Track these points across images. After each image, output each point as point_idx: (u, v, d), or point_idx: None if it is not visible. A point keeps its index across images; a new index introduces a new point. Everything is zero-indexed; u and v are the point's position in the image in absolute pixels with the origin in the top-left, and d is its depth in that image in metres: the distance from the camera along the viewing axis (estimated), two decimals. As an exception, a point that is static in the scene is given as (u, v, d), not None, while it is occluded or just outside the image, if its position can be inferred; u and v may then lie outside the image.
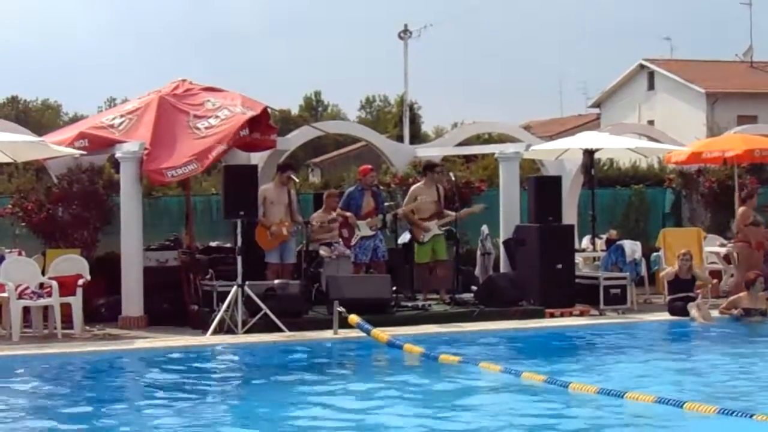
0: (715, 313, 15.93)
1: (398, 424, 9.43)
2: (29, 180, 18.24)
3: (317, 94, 77.17)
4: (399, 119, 50.65)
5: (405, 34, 26.71)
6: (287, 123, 28.99)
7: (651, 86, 51.81)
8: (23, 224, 17.45)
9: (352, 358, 13.58)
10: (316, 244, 16.74)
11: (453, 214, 16.91)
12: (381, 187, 17.82)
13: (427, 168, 17.40)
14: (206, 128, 15.77)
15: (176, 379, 11.87)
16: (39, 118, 60.95)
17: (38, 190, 17.48)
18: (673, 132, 25.36)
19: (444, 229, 16.96)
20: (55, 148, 15.42)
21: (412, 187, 17.40)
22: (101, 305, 16.07)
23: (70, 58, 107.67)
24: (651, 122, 44.45)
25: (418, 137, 44.17)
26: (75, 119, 55.98)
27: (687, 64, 51.08)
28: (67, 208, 17.18)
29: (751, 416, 8.93)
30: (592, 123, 51.35)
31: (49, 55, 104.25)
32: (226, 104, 16.23)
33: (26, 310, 14.78)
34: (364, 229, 16.51)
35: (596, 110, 56.48)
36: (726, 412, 9.09)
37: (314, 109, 74.90)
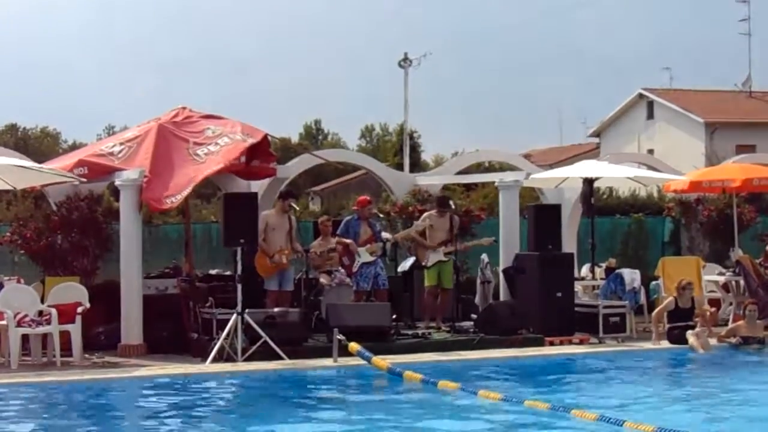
0: (713, 341, 15.91)
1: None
2: (28, 207, 18.24)
3: (317, 122, 77.45)
4: (399, 148, 50.78)
5: (405, 62, 26.81)
6: (287, 151, 29.03)
7: (650, 115, 51.93)
8: (22, 252, 17.43)
9: (352, 386, 13.55)
10: (315, 272, 16.74)
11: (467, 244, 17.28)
12: (381, 215, 17.82)
13: (441, 203, 17.46)
14: (206, 155, 15.79)
15: (176, 407, 11.84)
16: (38, 146, 61.00)
17: (37, 217, 17.47)
18: (672, 161, 25.42)
19: (449, 256, 16.95)
20: (54, 173, 15.41)
21: (427, 213, 17.54)
22: (100, 333, 16.02)
23: (69, 86, 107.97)
24: (650, 151, 44.53)
25: (418, 166, 44.30)
26: (74, 147, 55.99)
27: (686, 94, 51.22)
28: (66, 235, 17.16)
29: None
30: (592, 152, 51.44)
31: (49, 83, 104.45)
32: (226, 132, 16.24)
33: (25, 337, 14.72)
34: (364, 255, 16.53)
35: (596, 139, 56.58)
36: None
37: (314, 137, 75.08)
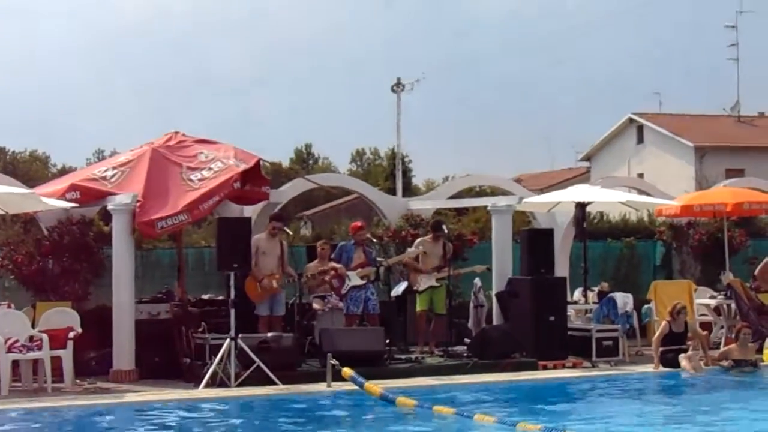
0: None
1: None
2: (17, 232, 18.17)
3: (308, 146, 77.37)
4: (390, 172, 50.86)
5: (398, 87, 26.84)
6: (278, 175, 28.97)
7: (640, 140, 52.11)
8: (13, 277, 17.38)
9: (346, 411, 13.51)
10: (309, 296, 16.73)
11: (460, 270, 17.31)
12: (374, 240, 17.81)
13: (435, 228, 17.46)
14: (199, 180, 15.78)
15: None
16: (27, 170, 60.82)
17: (28, 242, 17.42)
18: (662, 185, 25.47)
19: (441, 281, 16.93)
20: (47, 201, 15.39)
21: (420, 239, 17.54)
22: (92, 358, 15.96)
23: (58, 110, 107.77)
24: (640, 175, 44.64)
25: (409, 190, 44.32)
26: (63, 171, 55.94)
27: (675, 118, 51.44)
28: (57, 260, 17.11)
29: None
30: (582, 176, 51.59)
31: (37, 107, 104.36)
32: (219, 156, 16.26)
33: (16, 363, 14.66)
34: (354, 278, 16.50)
35: (586, 164, 56.74)
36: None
37: (305, 161, 75.02)
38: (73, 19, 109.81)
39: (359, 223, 17.33)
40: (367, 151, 78.67)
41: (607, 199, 19.37)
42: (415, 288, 17.05)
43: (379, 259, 17.04)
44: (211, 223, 25.60)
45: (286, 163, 61.92)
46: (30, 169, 62.63)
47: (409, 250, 17.52)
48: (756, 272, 19.08)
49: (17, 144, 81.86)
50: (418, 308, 17.15)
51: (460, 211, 25.92)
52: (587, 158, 56.33)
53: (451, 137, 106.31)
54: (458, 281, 18.36)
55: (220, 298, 17.22)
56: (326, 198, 47.60)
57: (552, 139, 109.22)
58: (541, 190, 33.04)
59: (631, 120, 52.73)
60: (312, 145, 77.30)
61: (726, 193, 20.78)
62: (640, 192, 22.67)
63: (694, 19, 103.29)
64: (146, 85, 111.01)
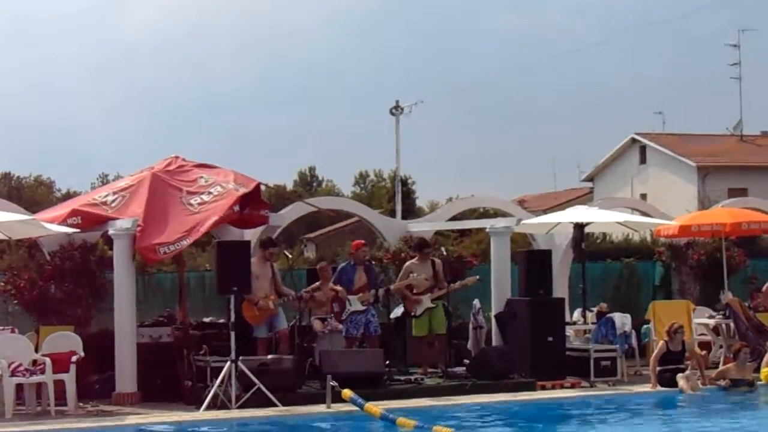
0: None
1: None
2: (21, 257, 18.32)
3: (312, 169, 77.61)
4: (393, 194, 50.99)
5: (396, 110, 26.98)
6: (281, 198, 29.16)
7: (643, 160, 52.23)
8: (16, 302, 17.53)
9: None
10: (309, 318, 16.86)
11: (454, 285, 17.12)
12: (374, 262, 17.93)
13: (420, 246, 17.55)
14: (199, 204, 15.92)
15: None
16: (32, 195, 61.04)
17: (31, 267, 17.57)
18: (665, 205, 25.61)
19: (436, 302, 17.01)
20: (48, 226, 15.54)
21: (407, 264, 17.51)
22: (94, 382, 16.08)
23: (63, 135, 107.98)
24: (643, 195, 44.82)
25: (412, 212, 44.49)
26: (68, 195, 56.07)
27: (678, 138, 51.57)
28: (59, 284, 17.26)
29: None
30: (586, 197, 51.71)
31: (42, 132, 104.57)
32: (219, 181, 16.40)
33: (19, 387, 14.79)
34: (355, 303, 16.57)
35: (589, 184, 56.85)
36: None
37: (309, 184, 75.26)
38: (76, 40, 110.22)
39: (362, 242, 17.42)
40: (370, 173, 78.90)
41: (604, 219, 19.48)
42: (412, 314, 17.09)
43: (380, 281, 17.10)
44: (213, 247, 25.76)
45: (290, 186, 62.17)
46: (35, 194, 62.85)
47: (400, 276, 17.51)
48: (764, 288, 19.07)
49: (22, 169, 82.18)
50: (414, 334, 17.09)
51: (462, 233, 26.04)
52: (590, 179, 56.46)
53: (454, 158, 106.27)
54: (457, 302, 18.41)
55: (221, 321, 17.35)
56: (330, 221, 47.71)
57: (556, 159, 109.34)
58: (545, 211, 33.16)
59: (633, 140, 52.85)
60: (315, 167, 77.59)
61: (724, 214, 20.87)
62: (640, 213, 22.78)
63: (696, 38, 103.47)
64: (150, 108, 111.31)
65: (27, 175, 71.75)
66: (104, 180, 67.19)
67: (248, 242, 16.43)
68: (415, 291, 17.01)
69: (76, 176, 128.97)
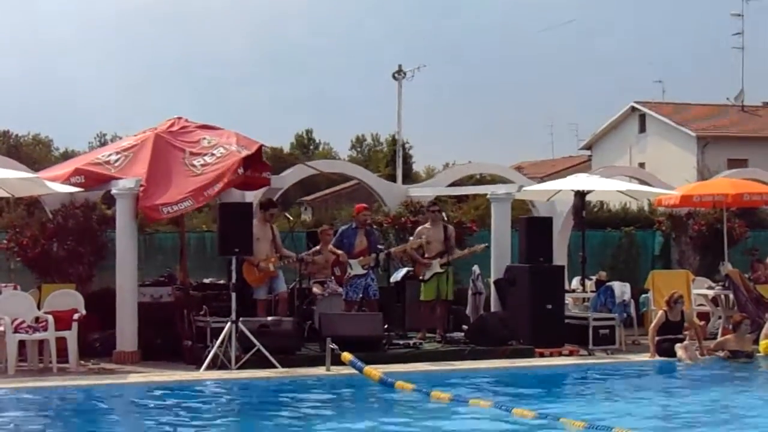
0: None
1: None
2: (20, 215, 18.34)
3: (309, 132, 77.52)
4: (390, 158, 50.93)
5: (399, 74, 26.87)
6: (278, 161, 29.07)
7: (642, 129, 52.08)
8: (18, 259, 17.55)
9: (345, 395, 13.68)
10: (309, 281, 16.90)
11: (462, 252, 17.22)
12: (374, 226, 17.95)
13: (430, 205, 17.60)
14: (202, 165, 15.92)
15: (171, 413, 11.95)
16: (30, 153, 60.88)
17: (33, 225, 17.59)
18: (664, 174, 25.58)
19: (445, 267, 17.01)
20: (51, 185, 15.54)
21: (419, 228, 17.53)
22: (95, 340, 16.16)
23: (62, 94, 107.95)
24: (642, 165, 44.72)
25: (409, 177, 44.40)
26: (66, 154, 56.01)
27: (678, 107, 51.41)
28: (61, 243, 17.29)
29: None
30: (583, 165, 51.65)
31: (41, 91, 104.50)
32: (221, 142, 16.39)
33: (22, 343, 14.87)
34: (355, 267, 16.60)
35: (587, 152, 56.76)
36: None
37: (305, 147, 75.18)
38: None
39: (364, 205, 17.44)
40: (368, 137, 78.83)
41: (606, 188, 19.51)
42: (420, 277, 17.11)
43: (380, 246, 17.14)
44: (211, 208, 25.74)
45: (287, 149, 62.07)
46: (33, 152, 62.72)
47: (410, 239, 17.58)
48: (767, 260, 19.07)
49: (20, 127, 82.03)
50: (423, 297, 17.10)
51: (460, 199, 26.06)
52: (588, 147, 56.33)
53: (452, 124, 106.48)
54: (458, 267, 18.45)
55: (221, 282, 17.42)
56: (327, 184, 47.75)
57: (554, 127, 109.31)
58: (542, 178, 33.18)
59: (633, 108, 52.69)
60: (312, 131, 77.50)
61: (726, 184, 20.86)
62: (640, 181, 22.78)
63: (700, 6, 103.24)
64: (149, 71, 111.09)
65: (25, 133, 71.67)
66: (102, 139, 67.25)
67: (250, 204, 16.46)
68: (426, 255, 17.03)
69: (74, 136, 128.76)
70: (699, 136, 48.04)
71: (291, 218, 16.78)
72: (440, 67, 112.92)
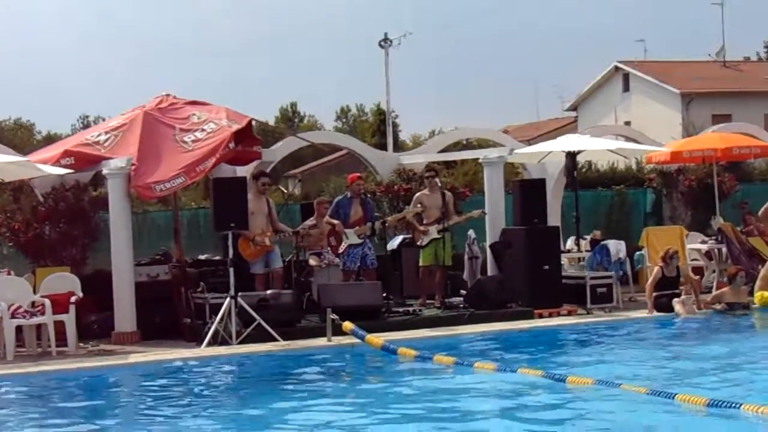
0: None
1: (397, 428, 9.55)
2: (6, 200, 18.25)
3: (293, 105, 77.25)
4: (377, 128, 50.86)
5: (385, 42, 26.81)
6: (264, 135, 29.00)
7: (626, 88, 52.13)
8: (11, 244, 17.48)
9: (348, 364, 13.70)
10: (305, 253, 16.86)
11: (459, 218, 17.20)
12: (368, 195, 17.91)
13: (427, 170, 17.53)
14: (193, 141, 15.86)
15: (175, 391, 11.95)
16: (12, 138, 60.59)
17: (25, 209, 17.51)
18: (650, 132, 25.61)
19: (443, 233, 16.97)
20: (43, 168, 15.46)
21: (417, 194, 17.48)
22: (93, 322, 16.12)
23: (43, 77, 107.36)
24: (627, 123, 44.73)
25: (396, 145, 44.37)
26: (48, 138, 55.71)
27: (661, 65, 51.46)
28: (54, 226, 17.22)
29: (739, 406, 9.07)
30: (569, 126, 51.66)
31: (22, 74, 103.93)
32: (211, 118, 16.32)
33: (19, 329, 14.78)
34: (351, 237, 16.57)
35: (573, 113, 56.78)
36: (715, 403, 9.24)
37: (290, 120, 74.94)
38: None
39: (357, 174, 17.38)
40: (352, 108, 78.64)
41: (597, 147, 19.50)
42: (418, 243, 17.09)
43: (376, 214, 17.08)
44: (199, 185, 25.68)
45: (272, 123, 61.83)
46: (15, 137, 62.38)
47: (408, 208, 17.52)
48: (760, 213, 19.09)
49: (1, 112, 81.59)
50: (421, 263, 17.02)
51: (448, 165, 26.03)
52: (574, 108, 56.37)
53: (434, 91, 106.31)
54: (454, 232, 18.41)
55: (217, 258, 17.38)
56: (314, 156, 47.63)
57: (537, 89, 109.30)
58: (528, 141, 33.14)
59: (616, 68, 52.72)
60: (297, 103, 77.27)
61: (715, 139, 20.93)
62: (629, 140, 22.80)
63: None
64: (129, 49, 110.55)
65: (6, 118, 71.33)
66: (85, 122, 66.85)
67: (244, 178, 16.31)
68: (424, 221, 16.99)
69: (56, 119, 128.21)
70: (683, 93, 48.12)
71: (285, 191, 16.69)
72: (422, 34, 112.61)
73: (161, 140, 16.04)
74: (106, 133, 16.54)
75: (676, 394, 9.69)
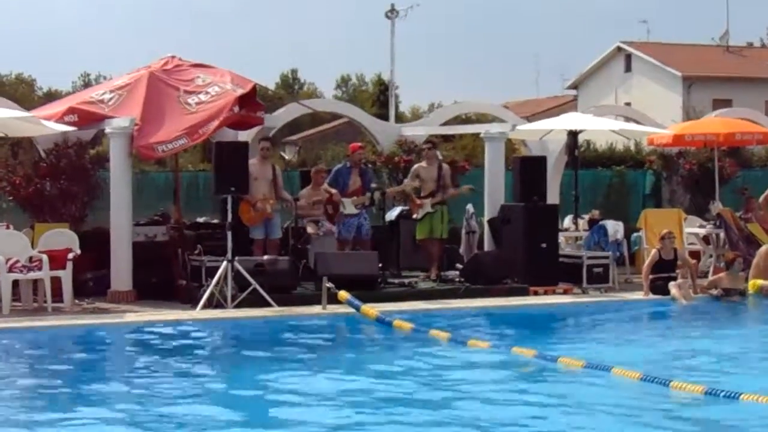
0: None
1: (386, 396, 9.60)
2: (5, 155, 18.19)
3: (294, 72, 77.04)
4: (376, 99, 50.74)
5: (392, 13, 26.72)
6: (264, 101, 28.86)
7: (628, 68, 52.11)
8: (10, 198, 17.46)
9: (341, 333, 13.74)
10: (303, 221, 16.86)
11: (452, 191, 17.18)
12: (369, 165, 17.89)
13: (427, 141, 17.53)
14: (197, 104, 15.83)
15: (168, 352, 11.99)
16: (12, 93, 60.31)
17: (26, 164, 17.48)
18: (650, 114, 25.48)
19: (437, 207, 16.95)
20: (48, 124, 15.42)
21: (415, 166, 17.49)
22: (89, 279, 16.12)
23: (44, 33, 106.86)
24: (627, 104, 44.69)
25: (396, 117, 44.33)
26: (49, 94, 55.52)
27: (664, 47, 51.41)
28: (54, 182, 17.19)
29: (738, 396, 9.02)
30: (569, 104, 51.63)
31: (24, 29, 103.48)
32: (216, 81, 16.28)
33: (15, 283, 14.80)
34: (348, 206, 16.57)
35: (573, 92, 56.73)
36: (712, 392, 9.23)
37: (290, 87, 74.72)
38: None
39: (359, 144, 17.34)
40: (353, 77, 78.42)
41: (600, 127, 19.48)
42: (414, 216, 17.09)
43: (373, 185, 17.05)
44: (197, 148, 25.64)
45: (272, 89, 61.65)
46: (16, 92, 62.11)
47: (406, 181, 17.50)
48: (761, 200, 19.07)
49: (2, 66, 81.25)
50: (418, 236, 17.08)
51: (446, 138, 25.99)
52: (574, 86, 56.32)
53: (435, 64, 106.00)
54: (449, 201, 18.37)
55: (215, 221, 17.37)
56: (312, 123, 47.48)
57: (538, 66, 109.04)
58: (527, 118, 33.06)
59: (619, 48, 52.67)
60: (298, 70, 77.03)
61: (718, 123, 20.90)
62: (630, 120, 22.74)
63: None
64: (130, 9, 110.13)
65: (8, 73, 71.02)
66: (86, 79, 66.59)
67: (246, 143, 16.34)
68: (421, 194, 16.98)
69: (57, 75, 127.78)
70: (684, 76, 48.10)
71: (287, 157, 16.67)
72: (425, 7, 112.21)
73: (165, 101, 16.01)
74: (111, 91, 16.50)
75: (669, 381, 9.65)
